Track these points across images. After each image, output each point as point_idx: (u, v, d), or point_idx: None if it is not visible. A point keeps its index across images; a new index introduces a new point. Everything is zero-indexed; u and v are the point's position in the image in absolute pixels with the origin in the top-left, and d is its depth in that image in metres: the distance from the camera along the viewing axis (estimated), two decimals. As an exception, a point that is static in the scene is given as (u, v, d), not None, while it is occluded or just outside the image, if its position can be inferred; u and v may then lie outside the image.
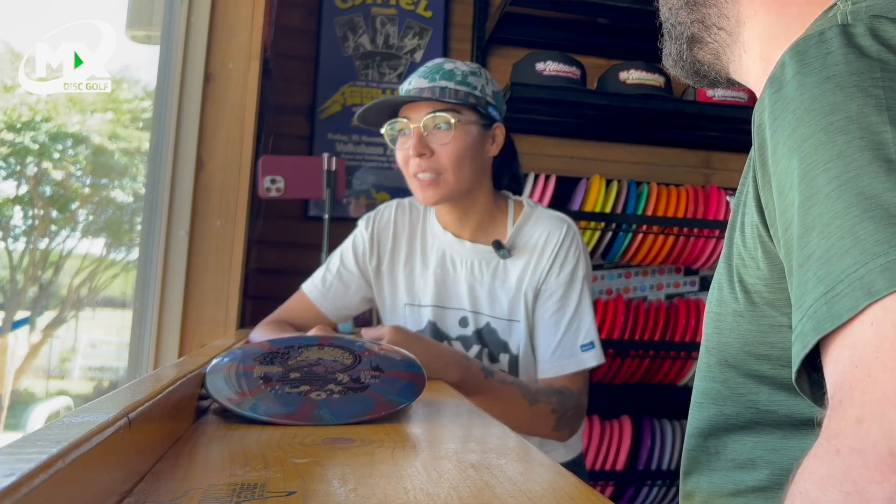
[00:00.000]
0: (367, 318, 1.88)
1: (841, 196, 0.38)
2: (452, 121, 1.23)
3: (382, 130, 1.28)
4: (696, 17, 0.64)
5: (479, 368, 1.14)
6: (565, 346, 1.23)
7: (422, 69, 1.28)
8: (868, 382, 0.33)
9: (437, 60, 1.30)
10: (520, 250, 1.30)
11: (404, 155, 1.26)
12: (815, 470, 0.34)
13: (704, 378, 0.59)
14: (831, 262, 0.37)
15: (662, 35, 0.69)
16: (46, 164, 2.06)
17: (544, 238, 1.29)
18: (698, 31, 0.64)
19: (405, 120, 1.25)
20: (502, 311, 1.30)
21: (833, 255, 0.37)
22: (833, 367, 0.36)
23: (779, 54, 0.48)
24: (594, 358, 1.23)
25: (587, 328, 1.24)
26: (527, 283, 1.28)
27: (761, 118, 0.47)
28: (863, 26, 0.43)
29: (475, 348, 1.32)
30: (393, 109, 1.27)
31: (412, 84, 1.26)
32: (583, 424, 1.41)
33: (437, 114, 1.23)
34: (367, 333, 1.07)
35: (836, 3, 0.49)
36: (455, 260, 1.34)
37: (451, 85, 1.24)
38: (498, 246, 1.29)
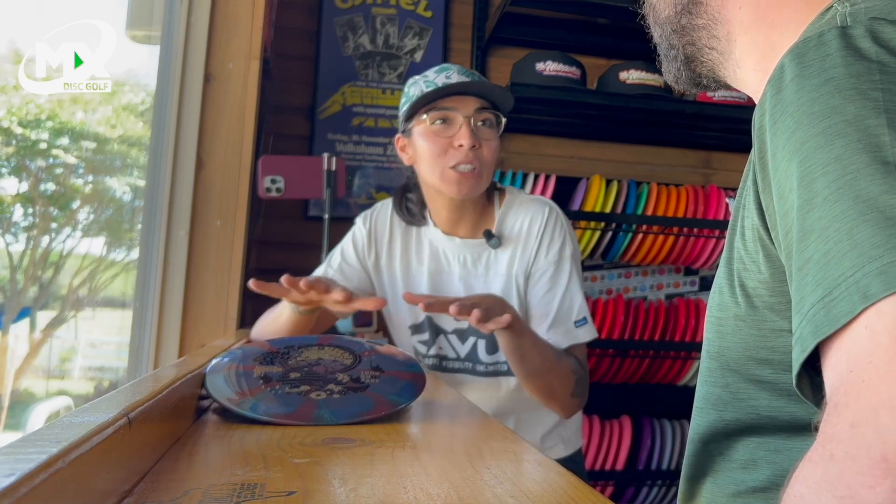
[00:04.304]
0: (368, 317, 1.88)
1: (839, 199, 0.38)
2: (504, 120, 1.27)
3: (424, 117, 1.26)
4: (687, 40, 0.64)
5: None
6: (560, 322, 1.25)
7: (456, 67, 1.28)
8: (862, 388, 0.33)
9: (457, 65, 1.30)
10: (506, 238, 1.32)
11: (443, 144, 1.25)
12: (811, 474, 0.34)
13: (706, 383, 0.59)
14: (829, 265, 0.37)
15: (658, 55, 0.69)
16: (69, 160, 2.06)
17: (527, 223, 1.31)
18: (691, 52, 0.65)
19: (454, 109, 1.25)
20: None
21: (831, 259, 0.37)
22: (830, 371, 0.36)
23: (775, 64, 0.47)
24: (588, 333, 1.26)
25: (579, 305, 1.26)
26: (516, 268, 1.30)
27: (761, 121, 0.47)
28: (862, 28, 0.43)
29: (471, 340, 1.33)
30: (426, 100, 1.26)
31: (453, 79, 1.25)
32: (582, 419, 1.42)
33: (486, 111, 1.25)
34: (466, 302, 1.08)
35: (833, 5, 0.49)
36: (448, 256, 1.35)
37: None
38: (489, 236, 1.31)
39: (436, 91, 1.24)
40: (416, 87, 1.28)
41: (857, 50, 0.42)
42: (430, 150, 1.26)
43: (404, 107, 1.30)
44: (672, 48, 0.66)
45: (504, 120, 1.28)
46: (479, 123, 1.26)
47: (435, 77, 1.27)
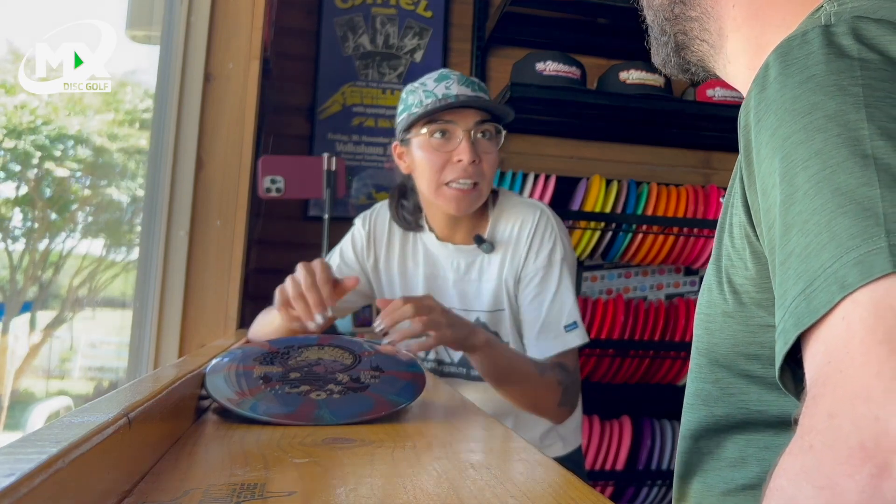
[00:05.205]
0: (367, 317, 1.88)
1: (818, 193, 0.38)
2: (503, 131, 1.26)
3: (424, 130, 1.24)
4: (679, 28, 0.65)
5: (499, 340, 1.19)
6: (549, 327, 1.25)
7: (455, 76, 1.26)
8: (839, 378, 0.33)
9: (456, 72, 1.29)
10: (498, 243, 1.32)
11: (442, 158, 1.24)
12: (790, 466, 0.34)
13: (695, 379, 0.60)
14: (810, 258, 0.38)
15: (649, 36, 0.69)
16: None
17: (518, 227, 1.30)
18: (682, 41, 0.65)
19: (453, 123, 1.23)
20: (489, 304, 1.32)
21: (811, 252, 0.38)
22: (810, 362, 0.37)
23: None
24: (578, 337, 1.24)
25: (569, 309, 1.25)
26: (506, 272, 1.30)
27: (747, 119, 0.48)
28: (845, 26, 0.44)
29: None
30: (425, 113, 1.24)
31: (453, 90, 1.24)
32: (581, 417, 1.41)
33: (487, 123, 1.24)
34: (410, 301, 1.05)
35: (822, 5, 0.49)
36: (442, 261, 1.35)
37: (488, 97, 1.26)
38: (479, 241, 1.30)
39: (435, 105, 1.22)
40: (414, 96, 1.27)
41: (839, 47, 0.43)
42: (429, 164, 1.25)
43: (401, 115, 1.29)
44: (664, 34, 0.66)
45: (504, 132, 1.28)
46: (479, 135, 1.24)
47: (434, 86, 1.25)
